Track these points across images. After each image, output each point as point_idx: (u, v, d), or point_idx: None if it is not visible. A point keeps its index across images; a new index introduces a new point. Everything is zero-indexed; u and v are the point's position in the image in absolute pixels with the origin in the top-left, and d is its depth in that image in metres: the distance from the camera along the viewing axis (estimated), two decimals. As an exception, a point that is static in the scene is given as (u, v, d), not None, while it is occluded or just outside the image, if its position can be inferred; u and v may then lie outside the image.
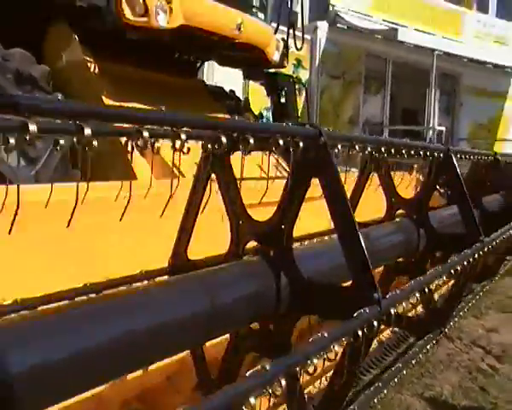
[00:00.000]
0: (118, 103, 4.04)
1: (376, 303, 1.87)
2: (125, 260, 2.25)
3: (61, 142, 1.51)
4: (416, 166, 5.03)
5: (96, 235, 2.22)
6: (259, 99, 7.88)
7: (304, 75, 11.81)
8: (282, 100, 6.34)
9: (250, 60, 5.42)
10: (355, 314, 1.81)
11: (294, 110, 6.53)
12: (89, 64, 4.19)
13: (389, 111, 16.84)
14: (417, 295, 2.29)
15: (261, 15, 5.11)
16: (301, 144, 1.94)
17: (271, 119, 7.39)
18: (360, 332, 1.77)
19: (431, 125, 17.42)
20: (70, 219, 1.86)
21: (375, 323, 1.84)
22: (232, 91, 6.61)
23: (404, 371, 3.03)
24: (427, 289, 2.37)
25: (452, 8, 18.06)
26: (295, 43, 6.13)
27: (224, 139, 1.81)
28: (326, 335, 1.61)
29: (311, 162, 2.02)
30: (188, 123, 1.64)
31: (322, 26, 12.94)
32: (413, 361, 3.15)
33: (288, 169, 2.94)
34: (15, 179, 3.40)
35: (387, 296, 1.99)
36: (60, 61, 4.30)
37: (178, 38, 4.38)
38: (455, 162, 3.53)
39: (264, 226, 2.08)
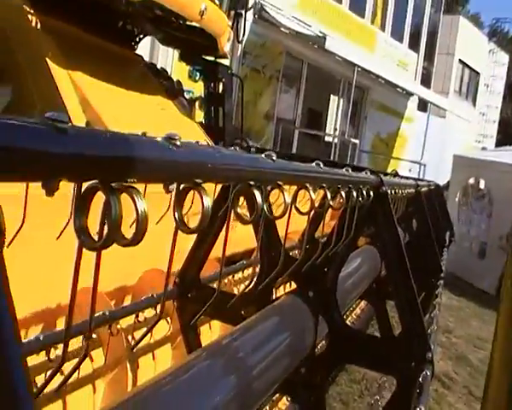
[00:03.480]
0: (61, 68, 3.59)
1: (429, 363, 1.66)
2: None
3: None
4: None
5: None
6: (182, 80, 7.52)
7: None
8: (220, 90, 6.08)
9: (200, 46, 5.16)
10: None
11: (230, 103, 6.30)
12: (30, 17, 3.64)
13: (300, 111, 17.01)
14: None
15: (217, 1, 4.76)
16: (364, 193, 1.71)
17: (197, 104, 7.06)
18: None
19: (331, 129, 17.90)
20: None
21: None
22: (164, 70, 6.23)
23: None
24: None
25: (369, 25, 18.72)
26: (237, 35, 5.89)
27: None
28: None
29: (368, 209, 1.86)
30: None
31: (248, 17, 12.68)
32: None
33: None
34: None
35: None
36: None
37: (136, 9, 3.98)
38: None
39: (303, 266, 1.84)
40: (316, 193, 1.48)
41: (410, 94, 20.38)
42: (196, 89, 7.70)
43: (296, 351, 1.87)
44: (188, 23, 4.51)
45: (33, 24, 3.65)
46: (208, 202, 0.95)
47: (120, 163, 0.74)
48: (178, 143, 0.88)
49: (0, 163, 0.56)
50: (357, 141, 17.70)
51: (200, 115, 6.51)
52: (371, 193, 1.90)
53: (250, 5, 7.02)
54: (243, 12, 6.01)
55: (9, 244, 1.40)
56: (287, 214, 1.37)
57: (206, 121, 6.21)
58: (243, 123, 7.38)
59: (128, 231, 0.77)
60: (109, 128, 3.52)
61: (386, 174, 4.12)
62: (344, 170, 1.84)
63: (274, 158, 1.25)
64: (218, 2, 4.84)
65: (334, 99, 18.87)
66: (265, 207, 1.23)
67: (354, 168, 4.49)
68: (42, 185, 0.66)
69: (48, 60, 3.52)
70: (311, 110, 17.82)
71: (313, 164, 1.57)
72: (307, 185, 1.43)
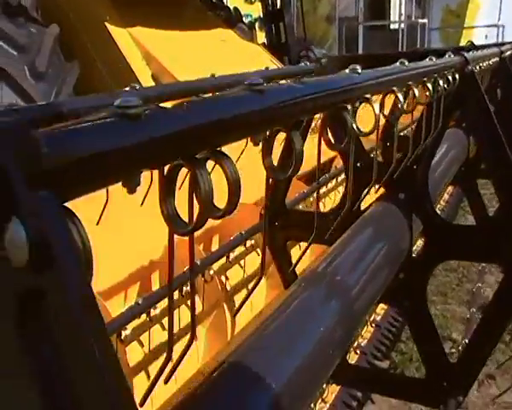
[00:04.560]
0: (121, 28, 3.66)
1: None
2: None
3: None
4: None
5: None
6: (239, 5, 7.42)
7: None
8: (278, 6, 5.97)
9: None
10: None
11: (290, 16, 6.18)
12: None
13: (362, 5, 16.36)
14: None
15: None
16: (450, 78, 1.62)
17: (257, 25, 6.97)
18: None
19: (397, 14, 17.08)
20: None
21: None
22: (220, 1, 6.17)
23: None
24: None
25: None
26: None
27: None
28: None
29: (454, 94, 1.73)
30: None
31: None
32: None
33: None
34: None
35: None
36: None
37: None
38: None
39: (389, 167, 1.75)
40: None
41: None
42: (254, 10, 7.59)
43: (394, 258, 1.84)
44: None
45: None
46: (300, 144, 0.89)
47: (203, 132, 0.68)
48: (263, 86, 0.80)
49: (81, 174, 0.52)
50: (425, 20, 16.87)
51: (261, 36, 6.44)
52: (457, 76, 1.80)
53: None
54: None
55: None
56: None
57: (269, 40, 6.15)
58: (305, 32, 7.26)
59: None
60: (175, 75, 3.59)
61: (461, 49, 3.92)
62: (427, 60, 1.75)
63: (359, 71, 1.18)
64: None
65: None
66: (355, 127, 1.14)
67: (430, 53, 4.33)
68: (122, 184, 0.61)
69: (106, 24, 3.59)
70: (372, 1, 17.11)
71: (397, 64, 1.50)
72: (394, 89, 1.36)
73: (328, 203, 3.21)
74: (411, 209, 1.93)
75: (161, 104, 1.38)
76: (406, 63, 1.51)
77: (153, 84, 3.52)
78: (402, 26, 16.14)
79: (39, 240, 0.45)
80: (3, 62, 3.14)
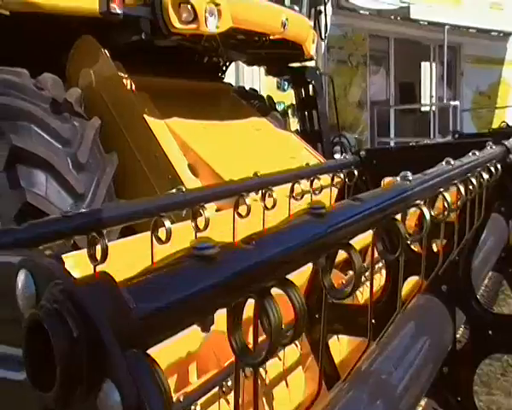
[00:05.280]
0: (158, 120, 3.80)
1: None
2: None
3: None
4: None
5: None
6: (271, 93, 7.61)
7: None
8: (311, 93, 6.08)
9: (285, 56, 5.14)
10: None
11: (323, 103, 6.29)
12: (124, 81, 3.88)
13: (393, 89, 16.64)
14: None
15: (296, 8, 4.80)
16: (492, 169, 1.65)
17: (290, 112, 7.13)
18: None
19: (428, 96, 17.23)
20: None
21: None
22: (253, 90, 6.35)
23: None
24: None
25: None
26: (320, 33, 5.84)
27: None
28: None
29: (496, 183, 1.75)
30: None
31: (327, 11, 12.64)
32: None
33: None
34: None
35: None
36: (88, 80, 3.99)
37: (221, 41, 4.10)
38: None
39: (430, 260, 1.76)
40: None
41: (508, 34, 19.16)
42: (286, 98, 7.80)
43: (438, 352, 1.82)
44: (271, 38, 4.53)
45: (127, 86, 3.89)
46: (359, 260, 0.91)
47: (272, 265, 0.70)
48: (323, 211, 0.85)
49: (164, 322, 0.53)
50: (457, 103, 16.99)
51: (294, 123, 6.57)
52: (499, 166, 1.82)
53: (327, -2, 6.85)
54: (323, 8, 5.95)
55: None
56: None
57: (302, 127, 6.26)
58: (338, 118, 7.39)
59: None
60: (211, 166, 3.70)
61: (499, 132, 3.93)
62: (471, 154, 1.79)
63: (410, 178, 1.21)
64: (297, 8, 4.89)
65: (425, 66, 18.24)
66: (407, 236, 1.16)
67: (464, 136, 4.31)
68: (198, 324, 0.62)
69: (145, 116, 3.74)
70: (403, 84, 17.36)
71: (443, 163, 1.56)
72: (441, 190, 1.41)
73: (366, 292, 3.20)
74: (454, 301, 1.92)
75: (207, 205, 1.44)
76: (452, 162, 1.55)
77: (189, 174, 3.62)
78: (433, 108, 16.30)
79: (133, 403, 0.45)
80: (49, 156, 3.30)
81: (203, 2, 3.72)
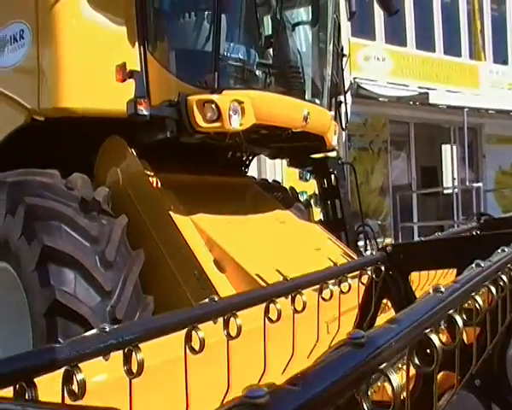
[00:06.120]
0: (184, 216, 3.86)
1: None
2: None
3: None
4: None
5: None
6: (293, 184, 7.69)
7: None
8: (333, 182, 6.12)
9: (307, 148, 5.22)
10: None
11: (345, 192, 6.33)
12: (150, 178, 3.98)
13: (415, 173, 16.73)
14: None
15: (317, 101, 4.91)
16: None
17: (312, 202, 7.18)
18: None
19: (450, 179, 17.24)
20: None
21: None
22: (276, 182, 6.42)
23: None
24: None
25: (468, 61, 18.03)
26: (341, 123, 5.93)
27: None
28: None
29: None
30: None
31: (347, 100, 12.92)
32: None
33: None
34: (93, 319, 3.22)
35: None
36: (116, 178, 4.10)
37: (244, 137, 4.20)
38: None
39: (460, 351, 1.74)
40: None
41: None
42: (308, 188, 7.87)
43: None
44: (293, 131, 4.59)
45: (153, 183, 3.98)
46: (398, 385, 0.92)
47: (319, 402, 0.75)
48: (362, 340, 0.88)
49: None
50: (480, 184, 16.98)
51: (317, 213, 6.61)
52: None
53: (347, 88, 6.99)
54: (343, 98, 6.05)
55: None
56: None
57: (325, 217, 6.27)
58: (361, 205, 7.40)
59: None
60: (237, 260, 3.73)
61: None
62: (500, 251, 1.80)
63: (442, 290, 1.23)
64: (318, 101, 5.01)
65: (445, 149, 18.32)
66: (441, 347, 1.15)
67: (489, 221, 4.28)
68: None
69: (170, 213, 3.81)
70: (424, 168, 17.49)
71: (473, 266, 1.55)
72: (473, 294, 1.42)
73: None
74: (489, 397, 1.89)
75: (239, 313, 1.46)
76: (482, 264, 1.55)
77: (215, 270, 3.66)
78: (456, 190, 16.29)
79: None
80: (77, 254, 3.37)
81: (227, 100, 3.84)
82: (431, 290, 1.23)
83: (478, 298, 1.43)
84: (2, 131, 4.26)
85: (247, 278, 3.66)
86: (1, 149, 4.26)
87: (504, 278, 1.65)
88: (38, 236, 3.39)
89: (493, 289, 1.55)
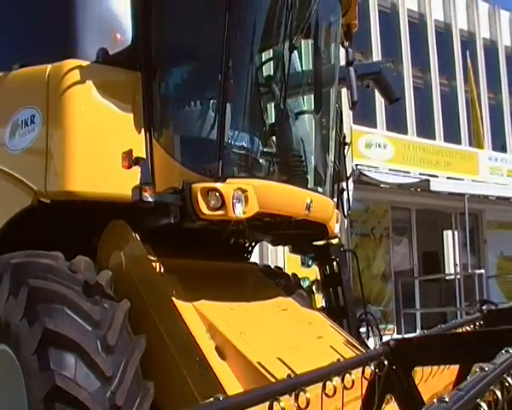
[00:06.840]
0: (186, 302, 3.86)
1: None
2: None
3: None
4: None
5: None
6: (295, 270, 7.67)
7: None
8: (335, 269, 6.10)
9: (309, 236, 5.24)
10: None
11: (347, 279, 6.29)
12: (153, 263, 4.00)
13: (417, 259, 16.71)
14: None
15: (320, 189, 4.98)
16: None
17: (314, 288, 7.15)
18: None
19: (452, 264, 17.17)
20: None
21: None
22: (278, 268, 6.41)
23: None
24: None
25: (468, 149, 18.28)
26: (343, 210, 5.98)
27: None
28: None
29: None
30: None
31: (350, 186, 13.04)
32: None
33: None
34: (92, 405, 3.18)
35: None
36: (119, 262, 4.11)
37: (247, 225, 4.24)
38: None
39: None
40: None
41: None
42: (310, 274, 7.86)
43: None
44: (296, 219, 4.63)
45: (156, 268, 4.00)
46: None
47: None
48: None
49: None
50: (482, 271, 16.91)
51: (319, 299, 6.57)
52: None
53: (348, 175, 7.06)
54: (345, 185, 6.12)
55: None
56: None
57: (327, 304, 6.22)
58: (363, 292, 7.36)
59: None
60: (239, 348, 3.70)
61: None
62: (503, 352, 1.80)
63: (446, 400, 1.25)
64: (321, 190, 5.07)
65: (447, 234, 18.35)
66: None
67: (492, 311, 4.24)
68: None
69: (173, 298, 3.81)
70: (426, 253, 17.50)
71: (477, 370, 1.57)
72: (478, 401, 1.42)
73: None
74: None
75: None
76: (486, 368, 1.56)
77: (216, 357, 3.63)
78: (458, 276, 16.22)
79: None
80: (79, 338, 3.36)
81: (230, 189, 3.90)
82: (435, 401, 1.23)
83: (483, 404, 1.43)
84: (9, 211, 4.29)
85: (248, 366, 3.63)
86: (7, 229, 4.29)
87: (510, 380, 1.65)
88: (40, 318, 3.38)
89: (499, 393, 1.55)
